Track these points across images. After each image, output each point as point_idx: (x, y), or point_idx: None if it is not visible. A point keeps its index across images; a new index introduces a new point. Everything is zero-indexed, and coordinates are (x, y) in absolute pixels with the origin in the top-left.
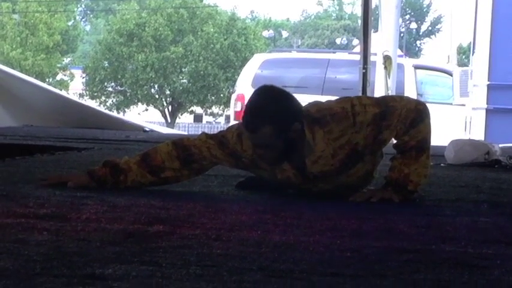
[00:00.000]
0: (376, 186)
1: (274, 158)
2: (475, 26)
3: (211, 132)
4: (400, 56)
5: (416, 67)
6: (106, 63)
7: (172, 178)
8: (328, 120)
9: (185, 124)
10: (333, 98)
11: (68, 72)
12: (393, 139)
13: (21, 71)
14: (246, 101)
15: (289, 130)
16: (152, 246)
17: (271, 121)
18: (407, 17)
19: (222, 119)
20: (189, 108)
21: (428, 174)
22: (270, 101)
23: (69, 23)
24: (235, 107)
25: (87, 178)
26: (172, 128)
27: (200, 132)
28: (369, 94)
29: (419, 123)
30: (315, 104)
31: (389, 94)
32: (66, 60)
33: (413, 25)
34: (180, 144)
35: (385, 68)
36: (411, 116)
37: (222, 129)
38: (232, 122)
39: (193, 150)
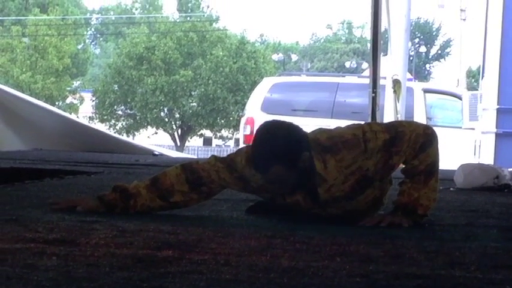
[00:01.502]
0: (386, 212)
1: (289, 190)
2: (484, 50)
3: (221, 156)
4: (410, 79)
5: (426, 91)
6: (116, 87)
7: (181, 202)
8: (339, 148)
9: (195, 147)
10: (343, 121)
11: (78, 95)
12: (402, 164)
13: (30, 95)
14: (255, 125)
15: (298, 162)
16: (161, 271)
17: (280, 160)
18: (416, 40)
19: (231, 142)
20: (199, 131)
21: (437, 198)
22: (275, 140)
23: (79, 47)
24: (245, 130)
25: (97, 203)
26: (182, 151)
27: (209, 156)
28: (378, 118)
29: (428, 148)
30: (323, 131)
31: (399, 118)
32: (76, 83)
33: (423, 49)
34: (189, 168)
35: (395, 91)
36: (420, 140)
37: (231, 152)
38: (242, 145)
39: (202, 174)
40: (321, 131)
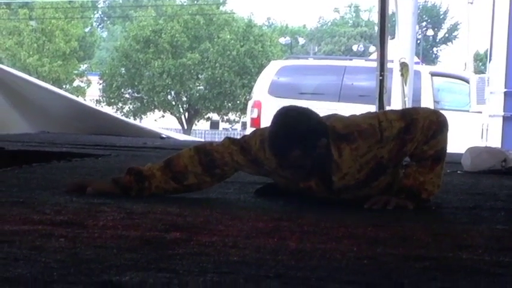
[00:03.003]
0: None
1: (304, 175)
2: (491, 33)
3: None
4: (417, 63)
5: (433, 74)
6: (123, 70)
7: (194, 185)
8: (355, 137)
9: (202, 131)
10: (350, 105)
11: (85, 78)
12: None
13: (38, 78)
14: (262, 109)
15: (316, 148)
16: (169, 253)
17: (298, 145)
18: (424, 24)
19: (238, 126)
20: (206, 114)
21: (441, 185)
22: (294, 125)
23: (86, 30)
24: (252, 113)
25: (112, 185)
26: (189, 134)
27: (218, 139)
28: (385, 101)
29: (439, 135)
30: (340, 119)
31: (406, 101)
32: (83, 66)
33: (430, 32)
34: (203, 150)
35: (402, 75)
36: (433, 127)
37: (238, 136)
38: (249, 129)
39: (216, 156)
40: (336, 118)
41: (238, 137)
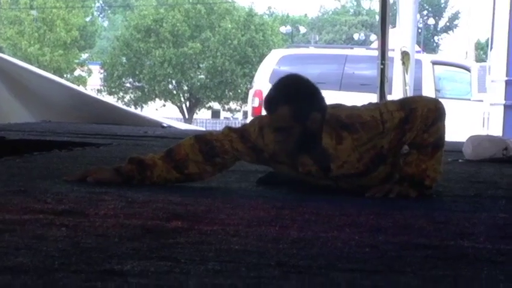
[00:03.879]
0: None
1: (292, 147)
2: (493, 22)
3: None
4: (418, 51)
5: (434, 63)
6: (124, 59)
7: (195, 175)
8: (357, 128)
9: (203, 120)
10: (351, 93)
11: (86, 68)
12: None
13: (39, 67)
14: (263, 97)
15: (307, 117)
16: (170, 242)
17: (289, 101)
18: (425, 12)
19: (239, 115)
20: (207, 104)
21: (442, 171)
22: (292, 84)
23: (87, 19)
24: (253, 102)
25: (114, 174)
26: (190, 123)
27: (220, 128)
28: (386, 90)
29: (438, 122)
30: (344, 108)
31: (407, 90)
32: (84, 56)
33: (431, 21)
34: (203, 138)
35: (403, 63)
36: (432, 115)
37: (239, 125)
38: (250, 118)
39: (216, 144)
40: (341, 107)
41: (239, 126)
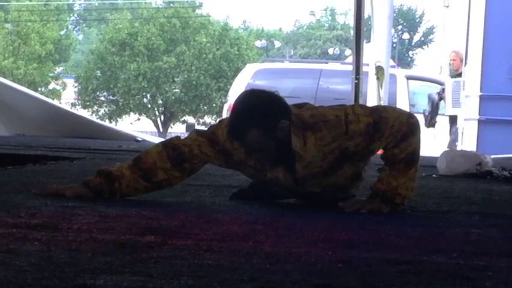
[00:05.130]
0: (366, 188)
1: (271, 159)
2: (467, 37)
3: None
4: (393, 66)
5: (409, 78)
6: (98, 73)
7: (164, 182)
8: (320, 127)
9: (177, 134)
10: None
11: (60, 81)
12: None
13: (13, 80)
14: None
15: (275, 128)
16: (143, 256)
17: (254, 124)
18: (399, 27)
19: None
20: (182, 117)
21: (415, 188)
22: (251, 105)
23: (62, 32)
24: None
25: (84, 189)
26: (165, 137)
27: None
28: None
29: (410, 137)
30: (309, 108)
31: (382, 104)
32: (59, 69)
33: (406, 35)
34: (170, 145)
35: (378, 78)
36: (403, 129)
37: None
38: None
39: (184, 149)
40: (306, 107)
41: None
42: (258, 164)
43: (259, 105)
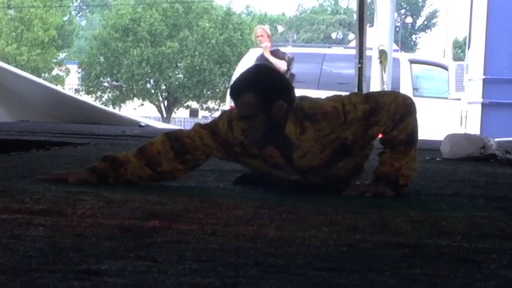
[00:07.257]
0: (367, 179)
1: (258, 135)
2: (470, 20)
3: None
4: (396, 50)
5: (412, 61)
6: (102, 58)
7: (168, 173)
8: (319, 118)
9: (181, 119)
10: (329, 92)
11: (64, 67)
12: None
13: (16, 67)
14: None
15: (272, 105)
16: (148, 241)
17: (254, 89)
18: (402, 11)
19: (217, 114)
20: (185, 103)
21: (417, 168)
22: (257, 72)
23: (65, 18)
24: (231, 101)
25: (89, 174)
26: (168, 122)
27: (194, 124)
28: (364, 88)
29: (408, 118)
30: (308, 99)
31: (385, 88)
32: (62, 55)
33: (409, 19)
34: (173, 136)
35: (381, 62)
36: (400, 111)
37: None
38: None
39: (186, 141)
40: (306, 98)
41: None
42: (257, 151)
43: (267, 75)
